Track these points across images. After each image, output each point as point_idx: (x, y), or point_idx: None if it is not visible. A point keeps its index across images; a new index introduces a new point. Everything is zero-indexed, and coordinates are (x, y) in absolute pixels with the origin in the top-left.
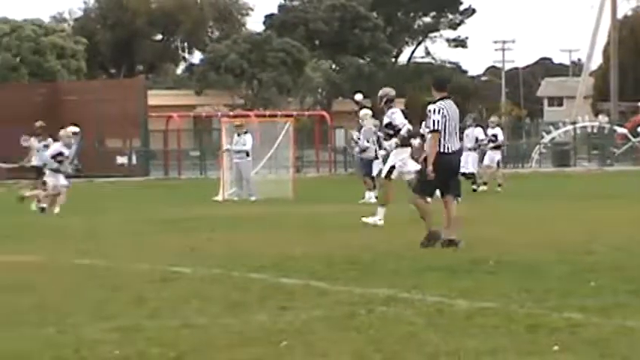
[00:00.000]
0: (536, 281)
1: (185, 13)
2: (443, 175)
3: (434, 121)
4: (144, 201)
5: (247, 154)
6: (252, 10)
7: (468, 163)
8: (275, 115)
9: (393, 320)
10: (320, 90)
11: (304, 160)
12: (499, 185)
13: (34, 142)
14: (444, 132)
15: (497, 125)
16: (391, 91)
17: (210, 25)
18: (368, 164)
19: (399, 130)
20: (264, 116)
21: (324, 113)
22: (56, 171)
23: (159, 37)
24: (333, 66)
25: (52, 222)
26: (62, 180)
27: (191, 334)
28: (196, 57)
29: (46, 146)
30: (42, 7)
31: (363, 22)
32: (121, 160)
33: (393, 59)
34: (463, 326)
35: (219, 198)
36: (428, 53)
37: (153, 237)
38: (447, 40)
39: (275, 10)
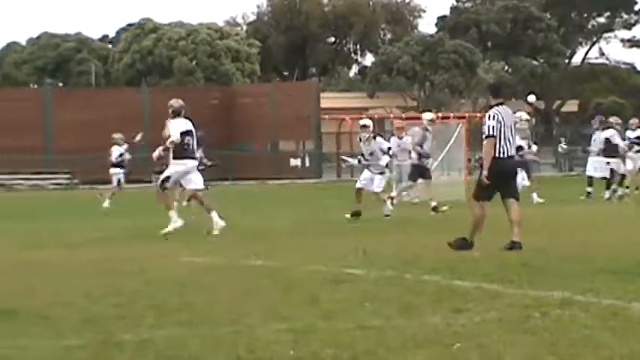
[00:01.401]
0: None
1: (357, 16)
2: (498, 180)
3: (489, 126)
4: (316, 203)
5: (410, 156)
6: (424, 11)
7: (597, 168)
8: (447, 117)
9: (567, 323)
10: None
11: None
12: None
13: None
14: (499, 137)
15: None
16: None
17: (383, 27)
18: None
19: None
20: (437, 118)
21: None
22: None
23: (331, 39)
24: (506, 67)
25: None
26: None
27: (365, 335)
28: (368, 59)
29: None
30: (216, 11)
31: (536, 22)
32: (294, 162)
33: (567, 60)
34: (639, 329)
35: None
36: (602, 54)
37: (325, 238)
38: (622, 41)
39: (447, 12)
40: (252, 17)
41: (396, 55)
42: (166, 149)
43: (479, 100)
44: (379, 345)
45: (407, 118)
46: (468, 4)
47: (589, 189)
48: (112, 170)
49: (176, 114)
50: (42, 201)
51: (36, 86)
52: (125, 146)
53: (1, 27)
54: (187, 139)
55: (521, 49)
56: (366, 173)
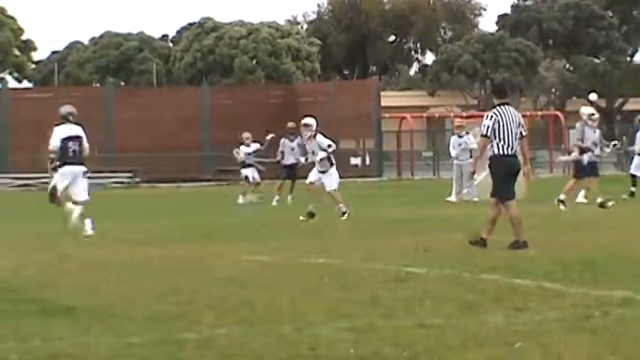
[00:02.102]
0: None
1: (418, 14)
2: (508, 174)
3: (484, 126)
4: (377, 201)
5: (470, 155)
6: (484, 10)
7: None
8: None
9: (629, 322)
10: (553, 90)
11: (538, 161)
12: None
13: (286, 142)
14: (499, 136)
15: None
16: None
17: (443, 25)
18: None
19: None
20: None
21: (558, 113)
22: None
23: (392, 38)
24: (567, 65)
25: (288, 221)
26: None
27: (425, 334)
28: (429, 58)
29: (300, 145)
30: (277, 10)
31: (598, 20)
32: (355, 161)
33: (629, 58)
34: None
35: (453, 199)
36: None
37: (386, 237)
38: None
39: (508, 10)
40: (313, 16)
41: (456, 53)
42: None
43: (540, 99)
44: (439, 344)
45: (467, 117)
46: (529, 2)
47: (633, 188)
48: (242, 170)
49: (63, 120)
50: (103, 199)
51: (98, 85)
52: (254, 146)
53: (65, 26)
54: (71, 144)
55: (583, 47)
56: (316, 170)
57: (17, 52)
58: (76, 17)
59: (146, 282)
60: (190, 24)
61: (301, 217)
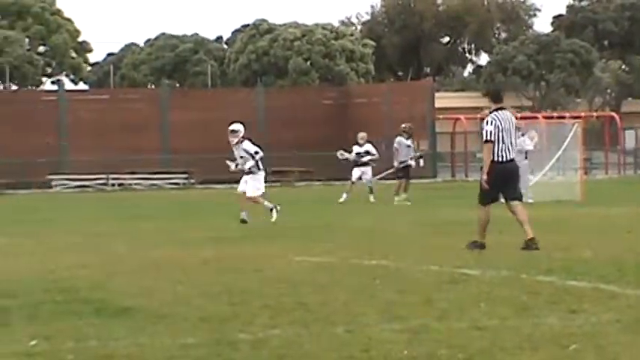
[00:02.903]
0: None
1: (472, 15)
2: (499, 183)
3: (486, 131)
4: (431, 203)
5: (525, 157)
6: (539, 10)
7: None
8: (563, 117)
9: None
10: (609, 91)
11: (593, 162)
12: None
13: (402, 141)
14: (497, 142)
15: None
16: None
17: (497, 26)
18: None
19: None
20: (552, 117)
21: (614, 114)
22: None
23: (446, 39)
24: (623, 66)
25: (343, 223)
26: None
27: (480, 336)
28: (483, 59)
29: (408, 146)
30: (331, 11)
31: None
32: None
33: None
34: None
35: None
36: None
37: (440, 239)
38: None
39: (563, 11)
40: (367, 17)
41: (511, 54)
42: None
43: (595, 100)
44: (494, 345)
45: (522, 118)
46: (584, 3)
47: None
48: (354, 170)
49: None
50: (159, 201)
51: (153, 87)
52: (367, 146)
53: (120, 28)
54: None
55: (639, 48)
56: (245, 177)
57: (74, 54)
58: (131, 19)
59: (200, 283)
60: (245, 26)
61: (244, 220)
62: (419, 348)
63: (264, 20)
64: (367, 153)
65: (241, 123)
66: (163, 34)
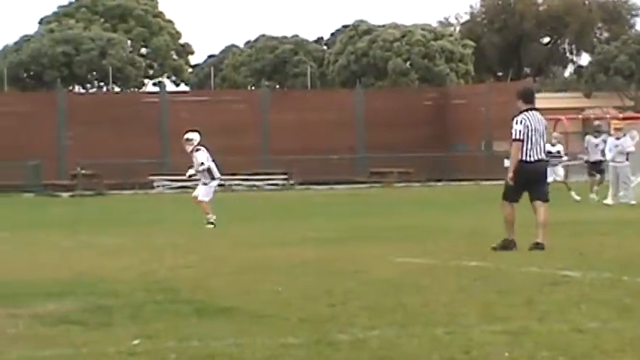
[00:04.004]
0: None
1: (573, 15)
2: (524, 182)
3: (516, 130)
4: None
5: (627, 158)
6: None
7: None
8: None
9: None
10: None
11: None
12: None
13: (590, 139)
14: (526, 141)
15: None
16: None
17: (599, 26)
18: None
19: None
20: None
21: None
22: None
23: (546, 39)
24: None
25: (443, 223)
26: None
27: (581, 338)
28: (584, 59)
29: (596, 145)
30: (430, 12)
31: None
32: (508, 163)
33: None
34: None
35: (610, 201)
36: None
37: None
38: None
39: None
40: (466, 17)
41: (612, 54)
42: None
43: None
44: (595, 348)
45: (624, 119)
46: None
47: None
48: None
49: None
50: (259, 201)
51: (253, 88)
52: (559, 147)
53: (221, 30)
54: None
55: None
56: (199, 186)
57: (175, 56)
58: (232, 21)
59: (300, 283)
60: (344, 27)
61: (208, 226)
62: (519, 350)
63: (363, 21)
64: (558, 153)
65: (197, 131)
66: (263, 35)
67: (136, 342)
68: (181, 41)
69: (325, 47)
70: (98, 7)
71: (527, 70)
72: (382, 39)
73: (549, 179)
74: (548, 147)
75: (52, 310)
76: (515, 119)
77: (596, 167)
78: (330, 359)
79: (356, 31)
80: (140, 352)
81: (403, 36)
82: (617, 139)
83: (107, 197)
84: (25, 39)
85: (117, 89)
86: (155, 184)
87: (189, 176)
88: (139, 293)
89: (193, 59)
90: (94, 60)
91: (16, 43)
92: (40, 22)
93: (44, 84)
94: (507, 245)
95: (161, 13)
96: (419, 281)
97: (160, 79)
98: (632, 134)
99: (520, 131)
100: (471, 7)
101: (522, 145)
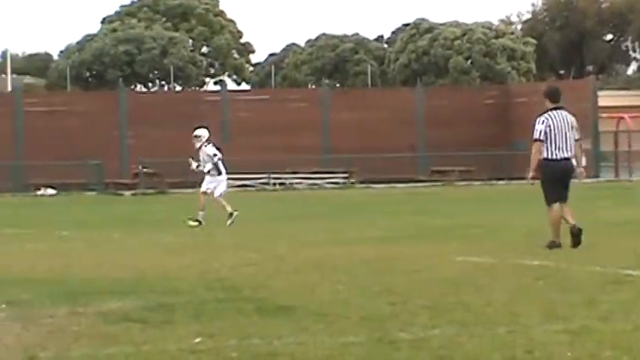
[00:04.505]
0: None
1: (635, 12)
2: (559, 179)
3: (536, 130)
4: (593, 203)
5: None
6: None
7: None
8: None
9: None
10: None
11: None
12: None
13: None
14: (549, 140)
15: None
16: None
17: None
18: None
19: None
20: None
21: None
22: None
23: (609, 36)
24: None
25: (504, 222)
26: None
27: None
28: None
29: None
30: (491, 10)
31: None
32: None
33: None
34: None
35: None
36: None
37: (602, 239)
38: None
39: None
40: (527, 15)
41: None
42: None
43: None
44: None
45: None
46: None
47: None
48: None
49: None
50: (319, 200)
51: (314, 87)
52: None
53: (282, 29)
54: None
55: None
56: (207, 179)
57: (236, 55)
58: (292, 20)
59: (361, 282)
60: (405, 25)
61: (190, 223)
62: (582, 349)
63: (424, 19)
64: None
65: (205, 128)
66: (324, 34)
67: (197, 340)
68: (242, 40)
69: (386, 45)
70: (160, 7)
71: (589, 68)
72: (443, 37)
73: None
74: None
75: (114, 308)
76: (537, 119)
77: None
78: (390, 358)
79: (417, 29)
80: (201, 350)
81: (464, 34)
82: None
83: (169, 196)
84: (88, 38)
85: (178, 88)
86: None
87: (195, 169)
88: (200, 291)
89: (254, 58)
90: (155, 59)
91: (78, 43)
92: (103, 22)
93: (106, 83)
94: (552, 245)
95: (222, 12)
96: (479, 280)
97: (221, 77)
98: None
99: (541, 131)
100: (533, 4)
101: (547, 145)
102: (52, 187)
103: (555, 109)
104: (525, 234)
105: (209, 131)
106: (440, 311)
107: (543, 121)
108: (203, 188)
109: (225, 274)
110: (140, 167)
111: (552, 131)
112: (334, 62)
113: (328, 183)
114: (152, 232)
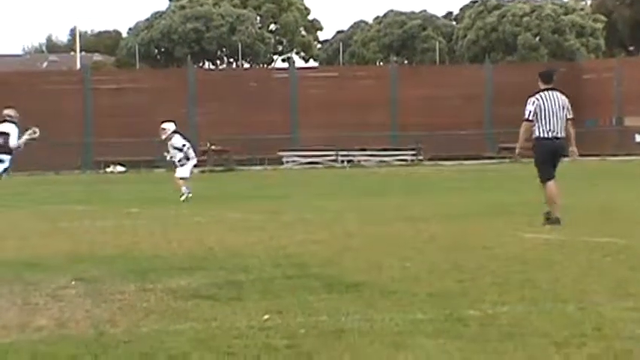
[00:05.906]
0: None
1: None
2: (550, 157)
3: (526, 110)
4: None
5: None
6: None
7: None
8: None
9: None
10: None
11: None
12: None
13: None
14: (540, 119)
15: None
16: None
17: None
18: None
19: None
20: None
21: None
22: None
23: None
24: None
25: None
26: None
27: None
28: None
29: None
30: None
31: None
32: (639, 138)
33: None
34: None
35: None
36: None
37: None
38: None
39: None
40: None
41: None
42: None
43: None
44: None
45: None
46: None
47: None
48: None
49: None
50: (388, 177)
51: (382, 64)
52: None
53: (349, 6)
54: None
55: None
56: (179, 168)
57: (304, 32)
58: None
59: (429, 259)
60: (473, 2)
61: (182, 198)
62: None
63: None
64: None
65: (172, 122)
66: (392, 10)
67: (266, 317)
68: (310, 17)
69: (454, 22)
70: None
71: None
72: (512, 14)
73: None
74: None
75: (183, 285)
76: (528, 99)
77: None
78: (459, 335)
79: (485, 6)
80: (270, 327)
81: (533, 10)
82: None
83: (237, 173)
84: (156, 16)
85: (246, 65)
86: (284, 159)
87: (169, 159)
88: (268, 268)
89: (322, 35)
90: (223, 36)
91: (147, 20)
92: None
93: (175, 60)
94: (551, 221)
95: None
96: (548, 257)
97: (289, 55)
98: None
99: (530, 111)
100: None
101: (538, 124)
102: (122, 165)
103: (547, 90)
104: (594, 211)
105: (175, 124)
106: (509, 288)
107: (534, 101)
108: (179, 175)
109: (293, 250)
110: (208, 144)
111: (542, 111)
112: (402, 39)
113: (396, 160)
114: (220, 209)
